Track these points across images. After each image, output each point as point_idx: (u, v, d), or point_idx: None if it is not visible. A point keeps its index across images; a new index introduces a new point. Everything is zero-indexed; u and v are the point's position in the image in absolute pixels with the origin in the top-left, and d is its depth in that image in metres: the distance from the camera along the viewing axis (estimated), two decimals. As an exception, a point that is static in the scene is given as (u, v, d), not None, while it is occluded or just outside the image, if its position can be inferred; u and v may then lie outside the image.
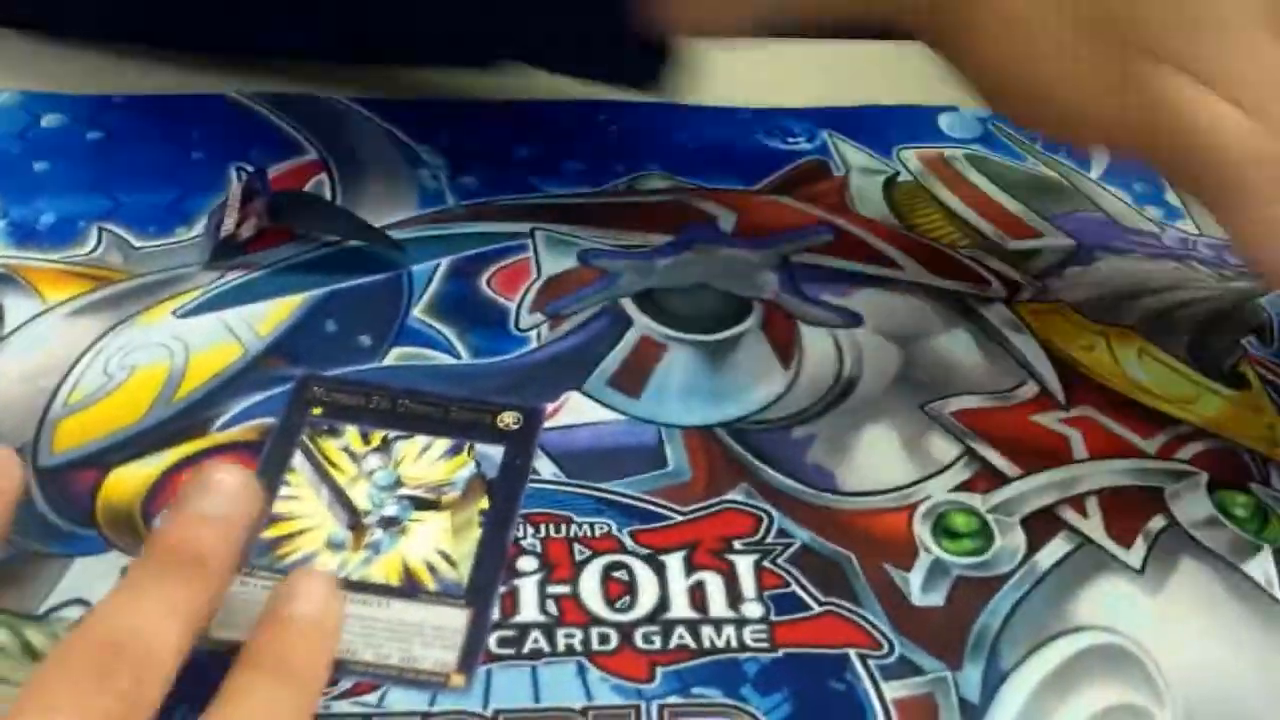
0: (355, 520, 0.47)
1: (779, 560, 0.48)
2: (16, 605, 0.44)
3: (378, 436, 0.50)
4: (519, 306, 0.56)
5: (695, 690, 0.44)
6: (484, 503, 0.48)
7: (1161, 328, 0.58)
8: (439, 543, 0.47)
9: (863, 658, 0.45)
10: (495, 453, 0.49)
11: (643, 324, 0.56)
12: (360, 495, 0.48)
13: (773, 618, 0.46)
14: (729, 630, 0.46)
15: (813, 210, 0.62)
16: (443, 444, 0.50)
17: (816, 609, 0.46)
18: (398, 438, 0.50)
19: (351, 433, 0.50)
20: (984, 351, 0.56)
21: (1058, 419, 0.54)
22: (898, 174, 0.64)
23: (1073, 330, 0.57)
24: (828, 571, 0.48)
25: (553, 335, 0.55)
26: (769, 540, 0.48)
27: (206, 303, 0.55)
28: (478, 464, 0.49)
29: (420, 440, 0.50)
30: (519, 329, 0.55)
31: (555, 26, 0.56)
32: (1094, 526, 0.50)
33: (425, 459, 0.49)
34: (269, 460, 0.48)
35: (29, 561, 0.46)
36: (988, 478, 0.51)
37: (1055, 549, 0.49)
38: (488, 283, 0.57)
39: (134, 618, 0.38)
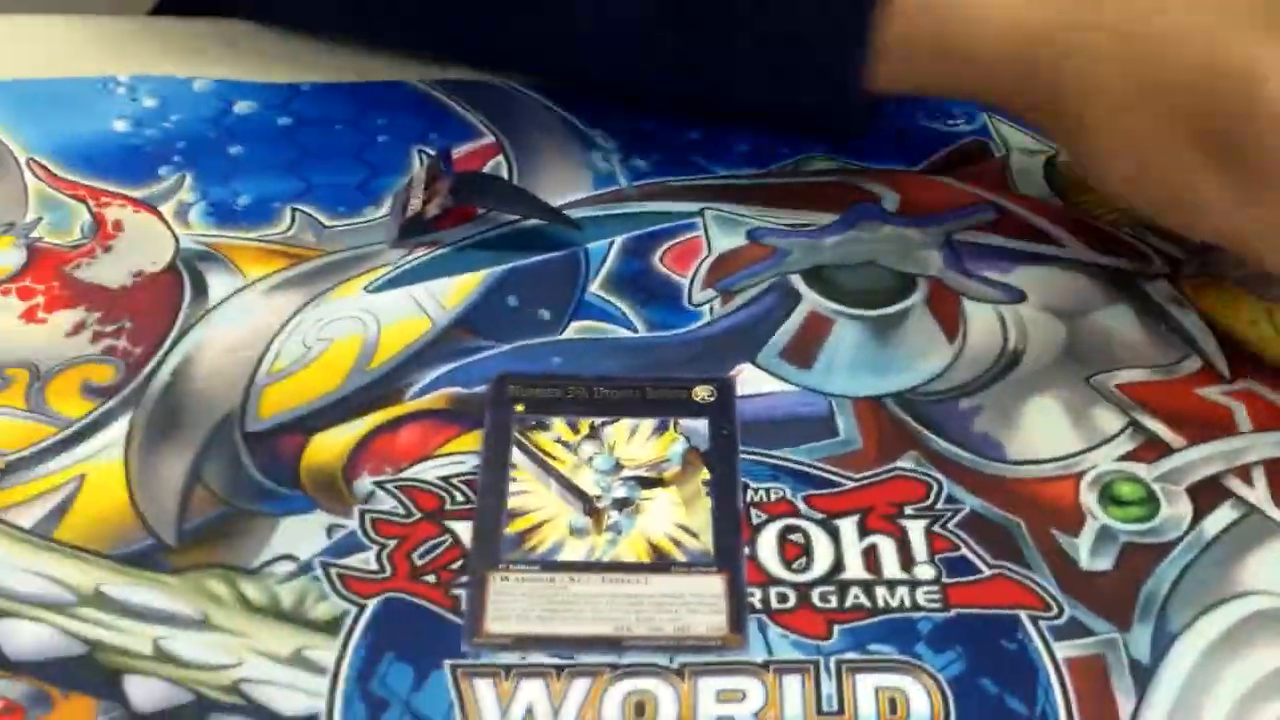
0: (590, 505, 0.49)
1: (949, 525, 0.49)
2: (232, 560, 0.47)
3: (585, 424, 0.52)
4: (691, 282, 0.58)
5: (871, 647, 0.46)
6: (704, 474, 0.50)
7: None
8: (674, 517, 0.49)
9: (1033, 618, 0.47)
10: (699, 426, 0.52)
11: (811, 299, 0.57)
12: (586, 482, 0.50)
13: (945, 579, 0.48)
14: (902, 591, 0.47)
15: (974, 189, 0.63)
16: (648, 424, 0.52)
17: (987, 572, 0.48)
18: (604, 423, 0.52)
19: (559, 424, 0.52)
20: (1147, 326, 0.57)
21: (1221, 391, 0.55)
22: (1057, 154, 0.65)
23: (1235, 305, 0.58)
24: (997, 536, 0.49)
25: (724, 310, 0.57)
26: (939, 506, 0.50)
27: (395, 278, 0.57)
28: (687, 438, 0.51)
29: (626, 423, 0.52)
30: (692, 304, 0.57)
31: (780, 97, 0.60)
32: (1260, 495, 0.51)
33: (636, 440, 0.51)
34: (489, 460, 0.50)
35: (241, 520, 0.49)
36: (1153, 448, 0.52)
37: (1221, 517, 0.50)
38: (660, 260, 0.59)
39: None
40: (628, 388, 0.53)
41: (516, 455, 0.50)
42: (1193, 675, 0.45)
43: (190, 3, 0.72)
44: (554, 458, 0.50)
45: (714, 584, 0.47)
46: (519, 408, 0.52)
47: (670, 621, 0.46)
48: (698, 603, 0.46)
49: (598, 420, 0.52)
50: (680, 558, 0.48)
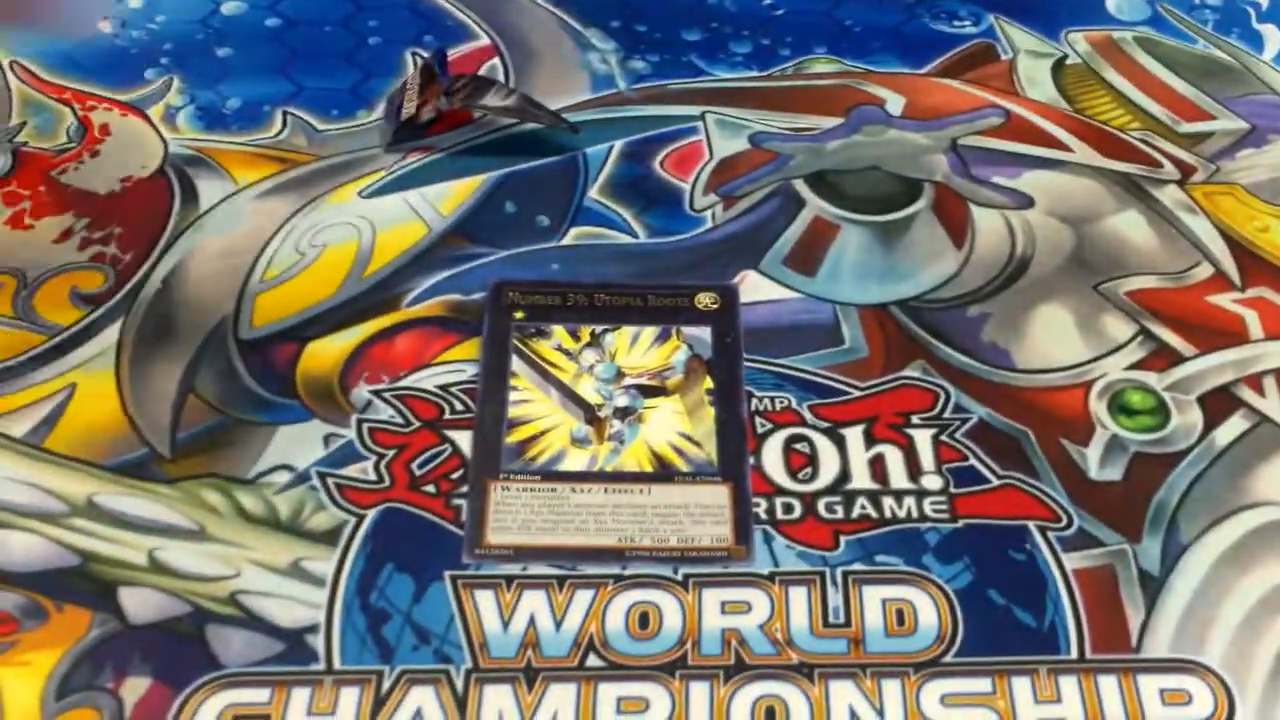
0: (591, 414, 0.48)
1: (957, 435, 0.48)
2: (228, 470, 0.46)
3: (586, 332, 0.51)
4: (693, 187, 0.57)
5: (878, 558, 0.45)
6: (708, 382, 0.49)
7: (1338, 208, 0.57)
8: (678, 425, 0.48)
9: (1042, 529, 0.46)
10: (703, 333, 0.51)
11: (816, 204, 0.56)
12: (588, 390, 0.49)
13: (952, 489, 0.47)
14: (910, 501, 0.46)
15: (981, 93, 0.62)
16: (650, 331, 0.51)
17: (995, 482, 0.47)
18: (605, 330, 0.51)
19: (559, 331, 0.51)
20: (1157, 233, 0.56)
21: (1233, 299, 0.54)
22: (1066, 56, 0.64)
23: (1247, 212, 0.57)
24: (1005, 446, 0.48)
25: (727, 215, 0.56)
26: (946, 415, 0.49)
27: (390, 183, 0.56)
28: (690, 346, 0.50)
29: (628, 330, 0.51)
30: (694, 209, 0.56)
31: None
32: (1272, 405, 0.50)
33: (638, 348, 0.50)
34: (488, 369, 0.49)
35: (236, 429, 0.48)
36: (1163, 356, 0.51)
37: (1233, 426, 0.49)
38: (661, 164, 0.58)
39: None
40: (629, 294, 0.52)
41: (516, 363, 0.49)
42: (1203, 587, 0.45)
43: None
44: (554, 365, 0.49)
45: (719, 494, 0.46)
46: (518, 315, 0.51)
47: (674, 532, 0.45)
48: (702, 513, 0.45)
49: (598, 328, 0.51)
50: (684, 468, 0.47)
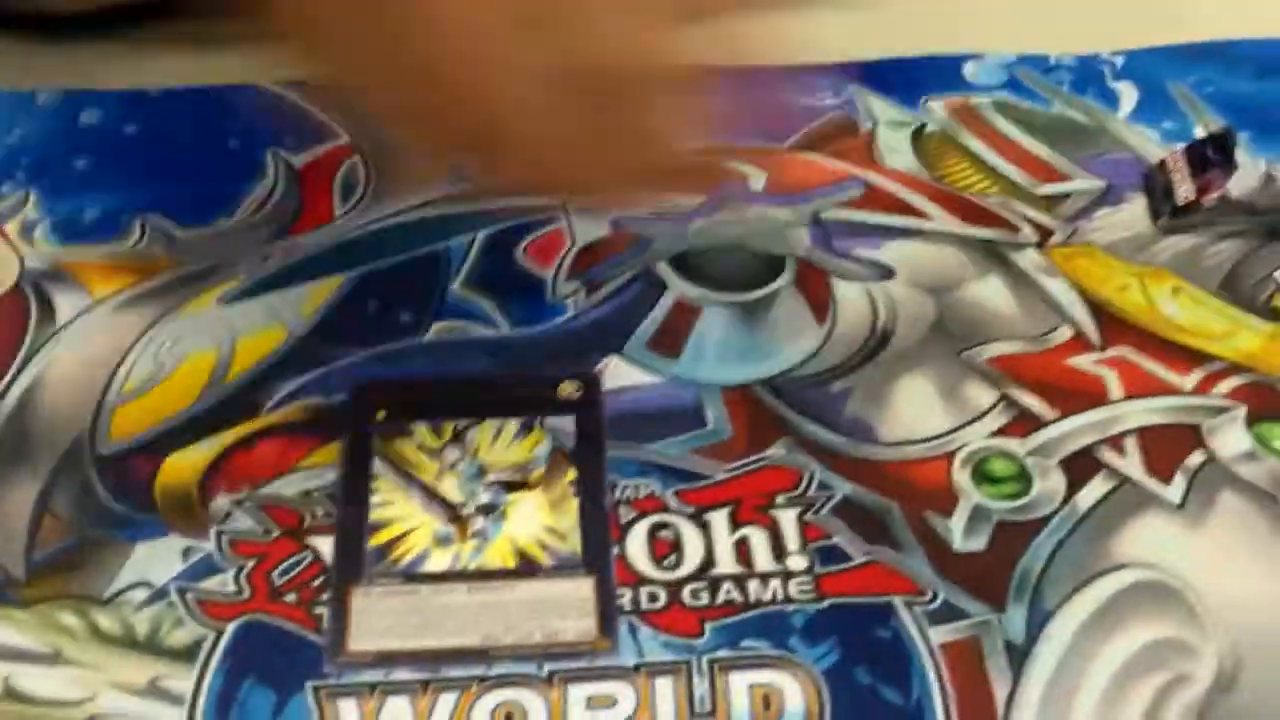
0: (454, 513, 0.48)
1: (822, 512, 0.49)
2: (84, 590, 0.46)
3: (449, 429, 0.50)
4: (555, 275, 0.57)
5: (745, 643, 0.45)
6: (571, 474, 0.49)
7: (1194, 265, 0.58)
8: (541, 520, 0.48)
9: (908, 604, 0.46)
10: (566, 424, 0.50)
11: (678, 287, 0.56)
12: (450, 489, 0.49)
13: (818, 569, 0.47)
14: (775, 583, 0.47)
15: (842, 165, 0.62)
16: (513, 425, 0.50)
17: (860, 559, 0.47)
18: (468, 426, 0.50)
19: (422, 430, 0.50)
20: (1017, 297, 0.57)
21: (1093, 360, 0.54)
22: (925, 125, 0.65)
23: (1105, 272, 0.57)
24: (870, 522, 0.48)
25: (589, 302, 0.56)
26: (811, 493, 0.49)
27: (250, 288, 0.56)
28: (553, 437, 0.50)
29: (490, 424, 0.50)
30: (556, 297, 0.56)
31: None
32: (1133, 465, 0.50)
33: (500, 442, 0.50)
34: (349, 473, 0.49)
35: (93, 548, 0.47)
36: (1025, 422, 0.52)
37: (1095, 489, 0.50)
38: (523, 253, 0.58)
39: None
40: (492, 387, 0.52)
41: (377, 465, 0.49)
42: (1068, 653, 0.45)
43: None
44: (416, 466, 0.49)
45: (583, 587, 0.46)
46: (380, 414, 0.50)
47: (539, 628, 0.45)
48: (566, 607, 0.45)
49: (461, 423, 0.50)
50: (548, 562, 0.47)
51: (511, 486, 0.49)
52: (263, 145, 0.62)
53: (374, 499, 0.48)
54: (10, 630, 0.45)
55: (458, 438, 0.50)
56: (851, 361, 0.54)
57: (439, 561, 0.46)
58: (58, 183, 0.60)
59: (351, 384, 0.52)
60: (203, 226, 0.58)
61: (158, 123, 0.63)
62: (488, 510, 0.48)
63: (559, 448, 0.50)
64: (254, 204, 0.59)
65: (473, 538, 0.47)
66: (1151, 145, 0.64)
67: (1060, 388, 0.53)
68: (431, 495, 0.48)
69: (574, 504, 0.48)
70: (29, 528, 0.48)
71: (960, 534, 0.48)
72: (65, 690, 0.43)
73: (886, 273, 0.57)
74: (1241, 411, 0.52)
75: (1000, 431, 0.51)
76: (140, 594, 0.46)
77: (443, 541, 0.47)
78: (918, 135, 0.64)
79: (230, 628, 0.45)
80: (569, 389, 0.51)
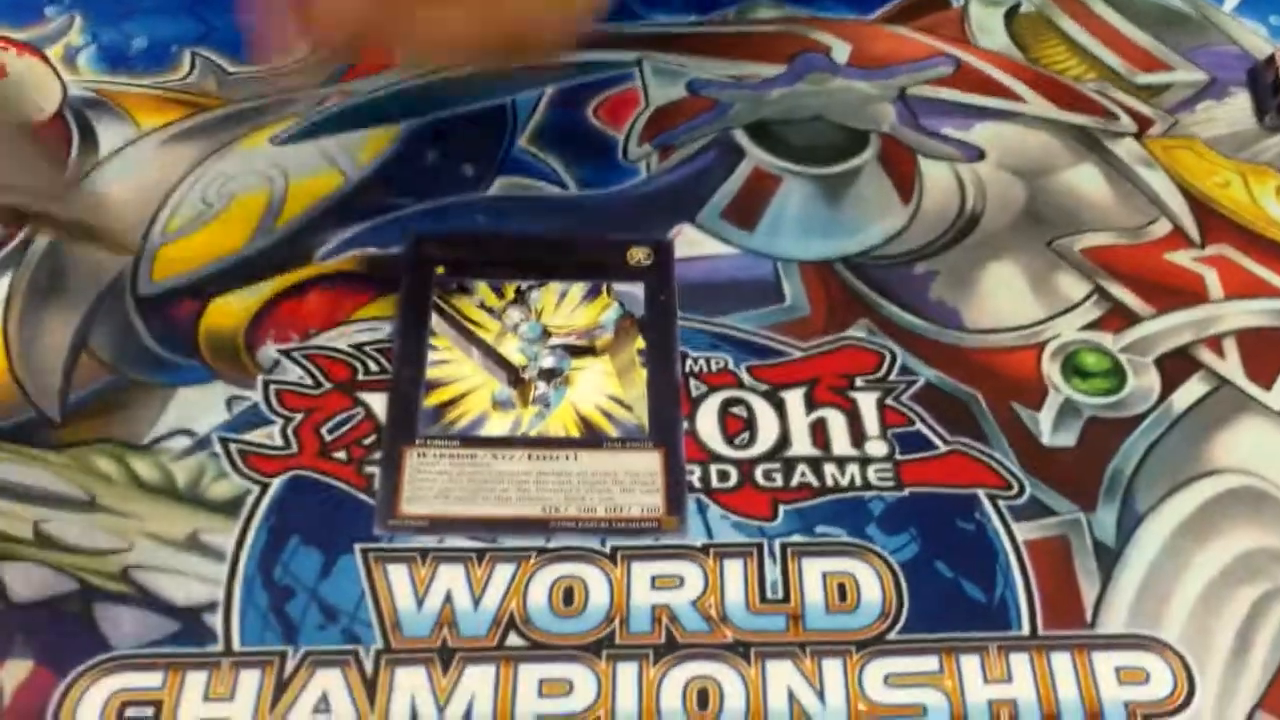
0: (515, 376, 0.45)
1: (903, 398, 0.46)
2: (123, 435, 0.43)
3: (510, 289, 0.47)
4: (627, 137, 0.54)
5: (819, 529, 0.42)
6: (639, 342, 0.46)
7: (1302, 163, 0.55)
8: (607, 388, 0.45)
9: (992, 498, 0.43)
10: (635, 290, 0.48)
11: (756, 155, 0.53)
12: (511, 350, 0.46)
13: (898, 456, 0.44)
14: (853, 468, 0.44)
15: (931, 41, 0.59)
16: (579, 288, 0.48)
17: (943, 448, 0.45)
18: (531, 287, 0.48)
19: (483, 288, 0.48)
20: (1113, 187, 0.53)
21: (1192, 257, 0.51)
22: (1019, 4, 0.61)
23: (1207, 166, 0.54)
24: (954, 410, 0.46)
25: (663, 166, 0.53)
26: (892, 377, 0.46)
27: (305, 129, 0.53)
28: (621, 304, 0.47)
29: (555, 287, 0.48)
30: (627, 159, 0.53)
31: None
32: (1232, 367, 0.48)
33: (566, 305, 0.47)
34: (406, 327, 0.46)
35: (134, 391, 0.44)
36: (1119, 316, 0.49)
37: (1191, 390, 0.47)
38: (594, 112, 0.55)
39: None
40: (557, 248, 0.49)
41: (436, 321, 0.46)
42: (1160, 558, 0.42)
43: None
44: (476, 324, 0.46)
45: (649, 461, 0.43)
46: (439, 269, 0.48)
47: (602, 502, 0.42)
48: (632, 481, 0.43)
49: (524, 284, 0.47)
50: (613, 433, 0.44)
51: (576, 351, 0.46)
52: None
53: (431, 356, 0.45)
54: (43, 473, 0.42)
55: (520, 298, 0.47)
56: (937, 244, 0.51)
57: (498, 426, 0.44)
58: (104, 8, 0.57)
59: (410, 236, 0.49)
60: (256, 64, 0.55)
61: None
62: (551, 375, 0.45)
63: (627, 315, 0.47)
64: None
65: (534, 403, 0.44)
66: (1258, 40, 0.60)
67: (1156, 283, 0.50)
68: (493, 355, 0.45)
69: (642, 374, 0.45)
70: (65, 367, 0.45)
71: (1049, 428, 0.45)
72: (99, 539, 0.41)
73: (976, 154, 0.54)
74: (1348, 318, 0.49)
75: (1093, 325, 0.49)
76: (181, 442, 0.43)
77: (502, 405, 0.44)
78: (1012, 14, 0.61)
79: (276, 483, 0.42)
80: (639, 255, 0.48)
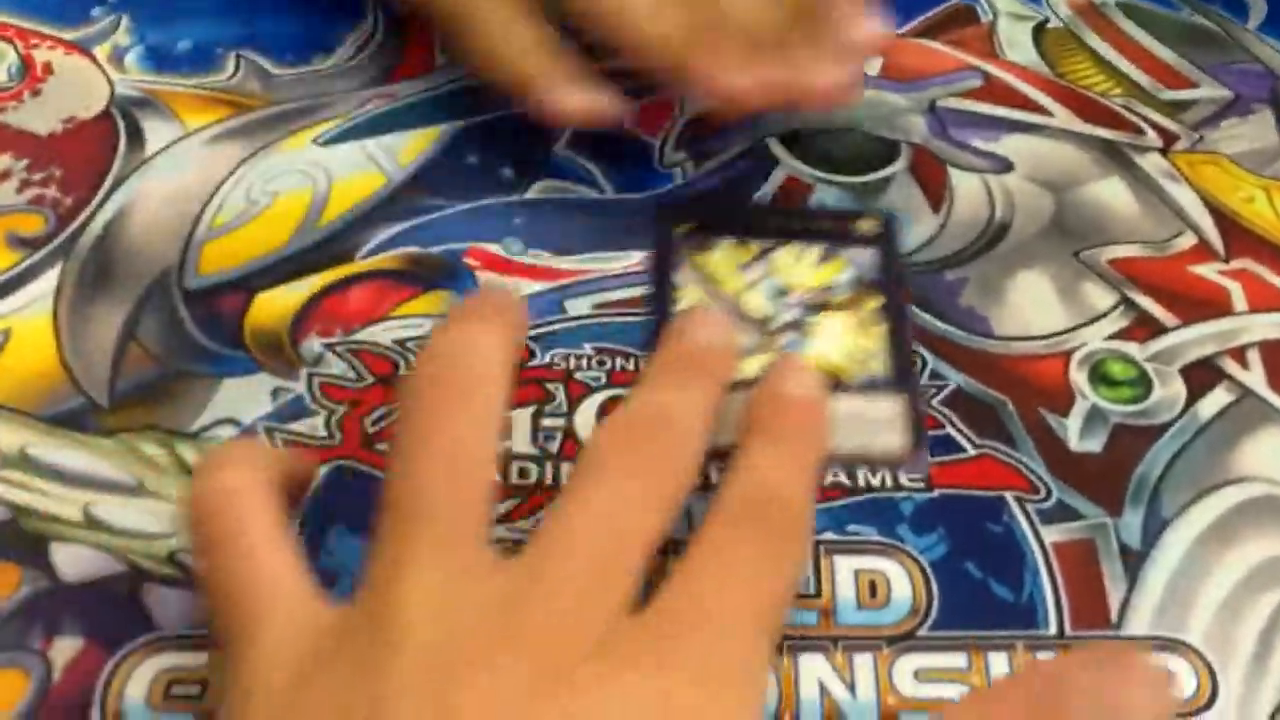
0: (763, 328, 0.46)
1: (934, 402, 0.47)
2: (170, 423, 0.44)
3: (753, 247, 0.49)
4: (663, 143, 0.55)
5: (851, 528, 0.43)
6: (873, 302, 0.47)
7: (1324, 181, 0.56)
8: (847, 341, 0.46)
9: (1020, 500, 0.44)
10: (864, 255, 0.49)
11: (789, 164, 0.54)
12: (753, 304, 0.47)
13: (928, 458, 0.45)
14: (884, 470, 0.45)
15: (960, 55, 0.60)
16: (814, 251, 0.49)
17: (972, 451, 0.45)
18: (772, 246, 0.49)
19: (726, 245, 0.49)
20: (1139, 200, 0.54)
21: (1217, 270, 0.52)
22: (1047, 20, 0.62)
23: (1231, 182, 0.55)
24: (983, 414, 0.47)
25: (697, 173, 0.54)
26: (923, 382, 0.47)
27: (347, 131, 0.54)
28: (854, 266, 0.49)
29: (793, 248, 0.49)
30: (663, 166, 0.54)
31: None
32: (1256, 378, 0.48)
33: (802, 265, 0.48)
34: (659, 279, 0.48)
35: (180, 381, 0.45)
36: (1145, 326, 0.50)
37: (1216, 399, 0.48)
38: (630, 118, 0.55)
39: (666, 402, 0.38)
40: (789, 214, 0.51)
41: (682, 274, 0.48)
42: (1185, 563, 0.43)
43: None
44: (721, 280, 0.48)
45: (892, 405, 0.44)
46: (680, 228, 0.49)
47: (849, 440, 0.44)
48: (876, 424, 0.44)
49: (766, 243, 0.49)
50: (856, 379, 0.45)
51: (814, 308, 0.47)
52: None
53: (678, 306, 0.47)
54: (92, 457, 0.43)
55: (761, 257, 0.48)
56: (967, 252, 0.52)
57: (748, 371, 0.44)
58: (150, 10, 0.58)
59: (455, 234, 0.50)
60: (300, 66, 0.56)
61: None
62: (792, 327, 0.46)
63: (860, 278, 0.48)
64: (353, 47, 0.57)
65: (778, 350, 0.46)
66: (1282, 57, 0.61)
67: (1182, 295, 0.51)
68: (735, 307, 0.46)
69: (880, 328, 0.47)
70: (114, 356, 0.46)
71: (1077, 433, 0.46)
72: (147, 522, 0.42)
73: (1005, 165, 0.55)
74: (1370, 332, 0.50)
75: (1119, 334, 0.49)
76: (227, 431, 0.44)
77: (750, 352, 0.45)
78: (1039, 30, 0.62)
79: (320, 472, 0.43)
80: (868, 224, 0.50)
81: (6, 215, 0.49)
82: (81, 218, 0.50)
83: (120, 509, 0.42)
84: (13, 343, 0.46)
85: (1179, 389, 0.48)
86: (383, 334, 0.47)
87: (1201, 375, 0.48)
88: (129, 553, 0.41)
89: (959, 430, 0.46)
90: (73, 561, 0.41)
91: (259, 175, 0.52)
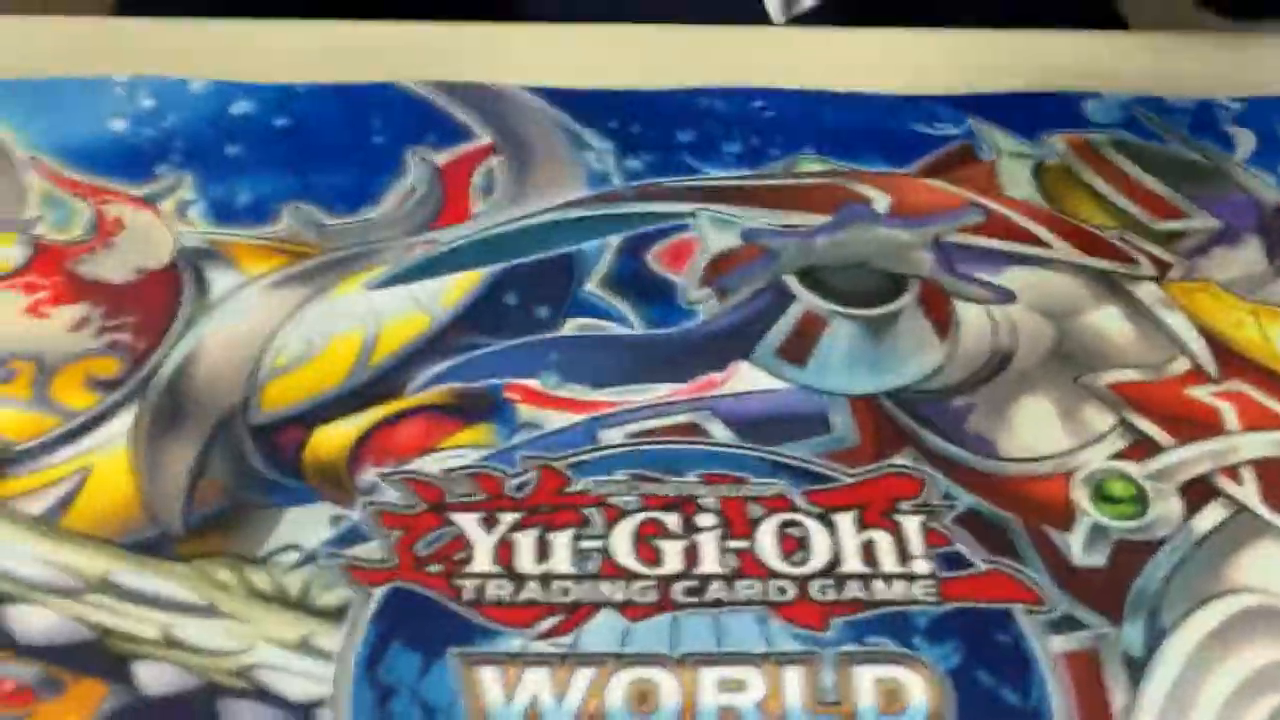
0: None
1: (945, 521, 0.50)
2: (239, 549, 0.48)
3: None
4: (687, 281, 0.58)
5: (869, 639, 0.46)
6: None
7: (1310, 305, 0.59)
8: None
9: (1028, 612, 0.47)
10: None
11: (805, 299, 0.58)
12: None
13: (940, 574, 0.48)
14: (899, 584, 0.48)
15: (964, 192, 0.64)
16: None
17: (982, 566, 0.49)
18: None
19: None
20: (1135, 327, 0.58)
21: (1210, 392, 0.55)
22: (1045, 158, 0.66)
23: (1222, 308, 0.59)
24: (992, 533, 0.50)
25: (721, 308, 0.57)
26: (934, 502, 0.50)
27: (395, 276, 0.58)
28: None
29: None
30: (688, 302, 0.58)
31: None
32: (1249, 494, 0.51)
33: None
34: None
35: (247, 511, 0.49)
36: (1143, 447, 0.53)
37: (1212, 515, 0.51)
38: (655, 258, 0.59)
39: None
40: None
41: None
42: (1185, 670, 0.46)
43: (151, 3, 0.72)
44: None
45: None
46: None
47: None
48: None
49: None
50: None
51: None
52: (404, 142, 0.64)
53: None
54: (169, 582, 0.47)
55: None
56: (973, 379, 0.55)
57: None
58: (211, 168, 0.62)
59: (492, 371, 0.54)
60: (349, 216, 0.60)
61: (306, 116, 0.65)
62: None
63: None
64: (398, 198, 0.61)
65: None
66: (1268, 190, 0.65)
67: (1178, 416, 0.54)
68: None
69: None
70: (186, 489, 0.49)
71: (1080, 549, 0.49)
72: (222, 640, 0.45)
73: (1007, 296, 0.59)
74: (1355, 449, 0.53)
75: (1118, 454, 0.53)
76: (291, 556, 0.48)
77: None
78: (1039, 168, 0.66)
79: (378, 592, 0.46)
80: None
81: (85, 359, 0.54)
82: (153, 361, 0.54)
83: (197, 629, 0.45)
84: (94, 478, 0.50)
85: (1176, 505, 0.51)
86: (432, 464, 0.50)
87: (1197, 492, 0.51)
88: (205, 669, 0.44)
89: (969, 547, 0.49)
90: (154, 677, 0.44)
91: (316, 318, 0.56)
